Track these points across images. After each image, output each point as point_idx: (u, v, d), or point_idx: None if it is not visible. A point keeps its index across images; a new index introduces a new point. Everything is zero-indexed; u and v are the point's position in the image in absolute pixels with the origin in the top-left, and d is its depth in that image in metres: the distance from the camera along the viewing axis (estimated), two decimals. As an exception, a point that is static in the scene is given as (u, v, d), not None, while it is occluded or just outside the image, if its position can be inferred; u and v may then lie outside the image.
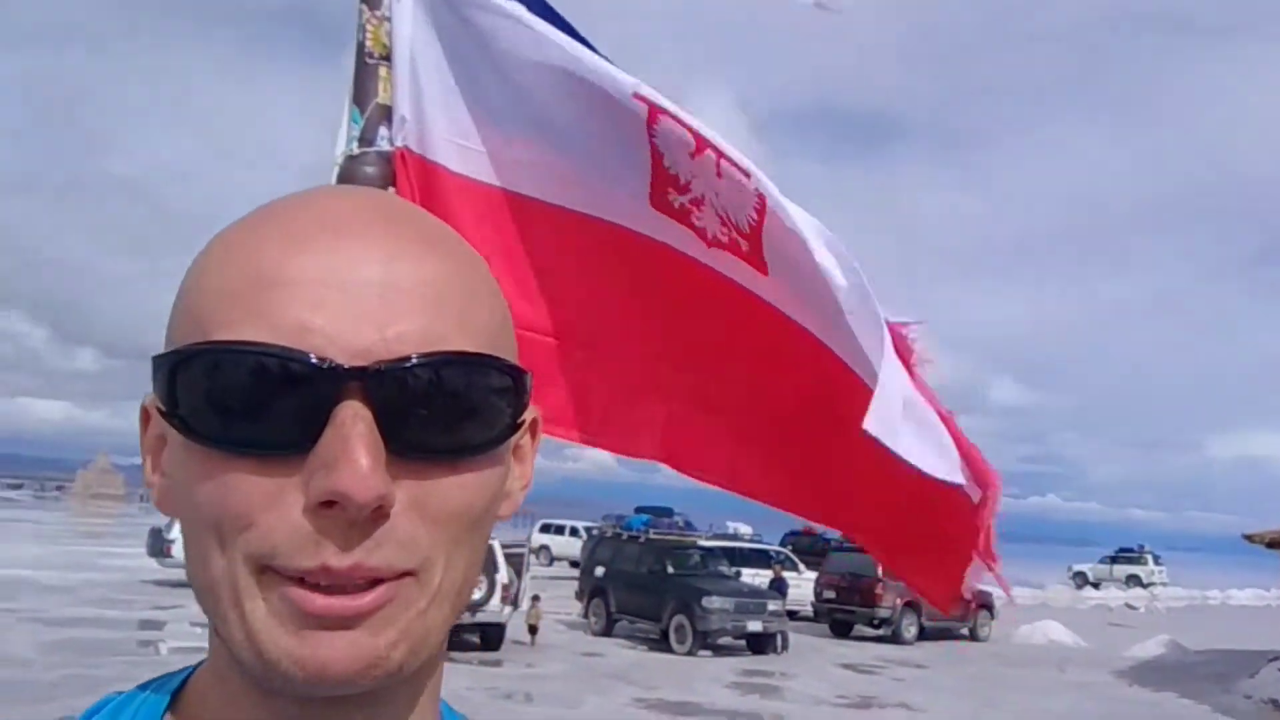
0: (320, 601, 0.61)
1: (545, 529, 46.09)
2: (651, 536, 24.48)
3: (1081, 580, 55.30)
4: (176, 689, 0.72)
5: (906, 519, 2.39)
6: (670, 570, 23.27)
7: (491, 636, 20.67)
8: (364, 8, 2.26)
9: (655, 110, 2.22)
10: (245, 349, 0.60)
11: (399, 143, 2.25)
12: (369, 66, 2.25)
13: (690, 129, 2.21)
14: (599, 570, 24.89)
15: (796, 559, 30.36)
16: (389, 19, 2.26)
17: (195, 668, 0.73)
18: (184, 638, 19.48)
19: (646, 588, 23.21)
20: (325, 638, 0.61)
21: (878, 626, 26.24)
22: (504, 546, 21.44)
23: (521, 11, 2.25)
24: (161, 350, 0.65)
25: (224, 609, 0.62)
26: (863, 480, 2.34)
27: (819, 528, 33.44)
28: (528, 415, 0.72)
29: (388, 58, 2.26)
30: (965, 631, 27.87)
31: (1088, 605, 44.08)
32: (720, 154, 2.20)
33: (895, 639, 25.72)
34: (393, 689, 0.66)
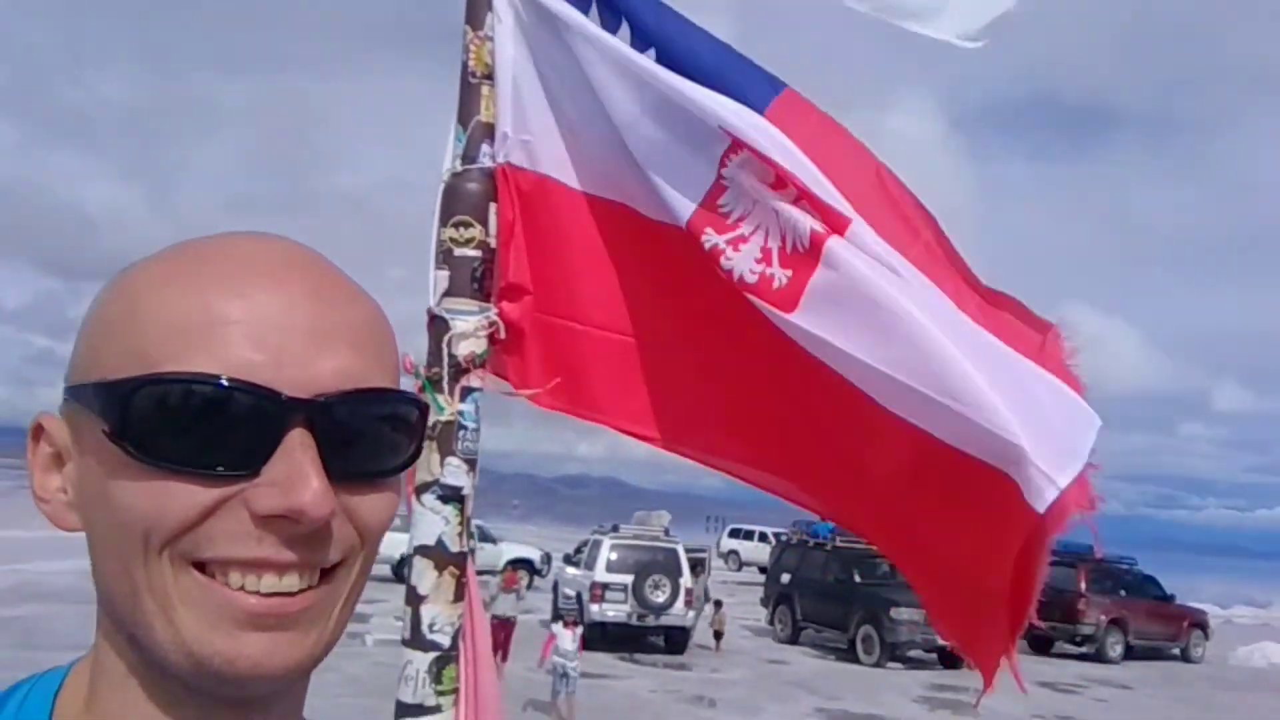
0: (256, 602, 0.68)
1: (734, 534, 46.05)
2: (839, 544, 24.04)
3: (1314, 601, 51.07)
4: (55, 692, 0.75)
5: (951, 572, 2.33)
6: (858, 579, 22.82)
7: (676, 640, 20.81)
8: (468, 28, 2.33)
9: (738, 143, 2.23)
10: (209, 380, 0.67)
11: (500, 159, 2.31)
12: (472, 85, 2.32)
13: (775, 166, 2.21)
14: (785, 577, 24.68)
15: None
16: (491, 39, 2.32)
17: (66, 671, 0.77)
18: (387, 631, 20.42)
19: (833, 596, 22.86)
20: (258, 638, 0.68)
21: (1080, 644, 24.95)
22: (687, 550, 21.56)
23: (614, 45, 2.30)
24: (76, 379, 0.73)
25: (147, 616, 0.68)
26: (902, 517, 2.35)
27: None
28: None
29: (490, 76, 2.32)
30: (1176, 652, 26.20)
31: (1321, 628, 40.67)
32: (796, 200, 2.22)
33: (1099, 657, 24.40)
34: (290, 685, 0.73)
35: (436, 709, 2.19)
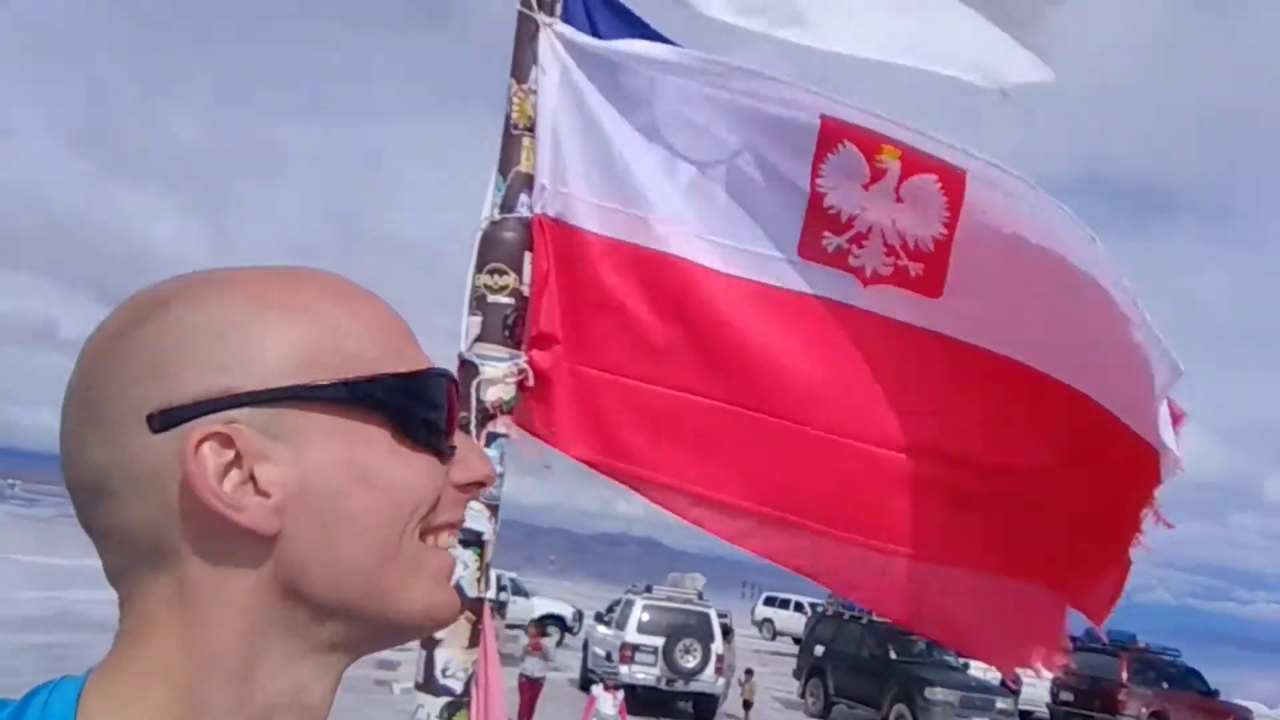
0: (451, 559, 0.81)
1: (769, 602, 45.46)
2: (875, 618, 23.64)
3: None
4: (78, 693, 0.73)
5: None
6: (893, 655, 22.40)
7: (705, 707, 20.51)
8: (512, 81, 2.38)
9: (833, 138, 2.27)
10: (440, 372, 0.81)
11: (537, 210, 2.35)
12: (514, 136, 2.37)
13: (869, 155, 2.26)
14: (819, 649, 24.29)
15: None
16: (534, 92, 2.37)
17: (86, 675, 0.75)
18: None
19: (867, 671, 22.45)
20: (451, 588, 0.81)
21: (1120, 736, 24.26)
22: (719, 615, 21.31)
23: (683, 62, 2.35)
24: (244, 382, 0.74)
25: (387, 585, 0.77)
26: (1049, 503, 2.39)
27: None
28: None
29: (531, 129, 2.37)
30: (1221, 748, 25.38)
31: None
32: (904, 174, 2.25)
33: (1139, 750, 23.70)
34: None
35: (445, 755, 2.18)
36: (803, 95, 2.29)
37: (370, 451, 0.76)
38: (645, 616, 20.58)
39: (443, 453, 0.79)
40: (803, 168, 2.32)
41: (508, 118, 2.37)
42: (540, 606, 29.88)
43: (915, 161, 2.25)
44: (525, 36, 2.37)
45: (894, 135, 2.25)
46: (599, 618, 23.67)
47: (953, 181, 2.24)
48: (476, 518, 2.24)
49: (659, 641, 20.12)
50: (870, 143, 2.26)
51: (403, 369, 0.78)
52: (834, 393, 2.40)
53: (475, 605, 2.26)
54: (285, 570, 0.74)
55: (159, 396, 0.72)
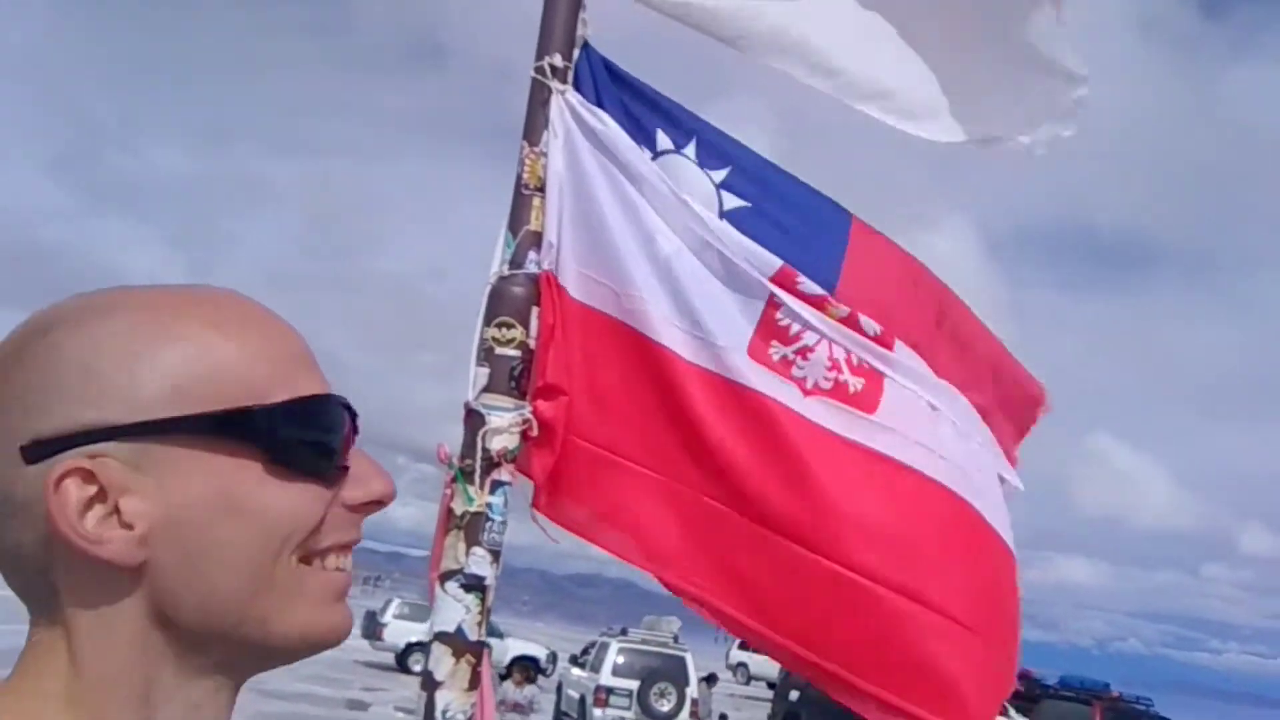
0: (346, 577, 0.83)
1: (744, 646, 45.18)
2: (850, 664, 23.53)
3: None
4: None
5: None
6: (867, 702, 22.33)
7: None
8: (525, 143, 2.48)
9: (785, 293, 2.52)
10: (322, 398, 0.82)
11: (546, 266, 2.44)
12: (525, 196, 2.46)
13: (815, 320, 2.52)
14: (794, 694, 24.16)
15: (1007, 703, 28.50)
16: (545, 155, 2.47)
17: None
18: (385, 720, 20.16)
19: (842, 717, 22.34)
20: (344, 606, 0.83)
21: (1093, 786, 24.20)
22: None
23: (662, 181, 2.51)
24: (127, 414, 0.75)
25: (263, 612, 0.78)
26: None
27: (1035, 670, 31.46)
28: None
29: (542, 189, 2.46)
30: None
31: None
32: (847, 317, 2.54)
33: (1113, 803, 23.61)
34: None
35: (445, 797, 2.23)
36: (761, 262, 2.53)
37: (239, 480, 0.77)
38: (620, 659, 20.48)
39: (325, 475, 0.80)
40: (761, 287, 2.50)
41: (519, 178, 2.47)
42: (514, 648, 29.63)
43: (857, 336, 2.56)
44: (538, 101, 2.47)
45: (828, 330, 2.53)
46: (574, 660, 23.54)
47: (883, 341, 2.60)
48: (479, 562, 2.31)
49: (634, 685, 20.01)
50: (819, 300, 2.57)
51: (283, 397, 0.79)
52: (769, 488, 2.46)
53: (475, 649, 2.32)
54: (158, 599, 0.76)
55: (30, 428, 0.74)
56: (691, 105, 2.61)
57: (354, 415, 0.84)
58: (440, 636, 2.30)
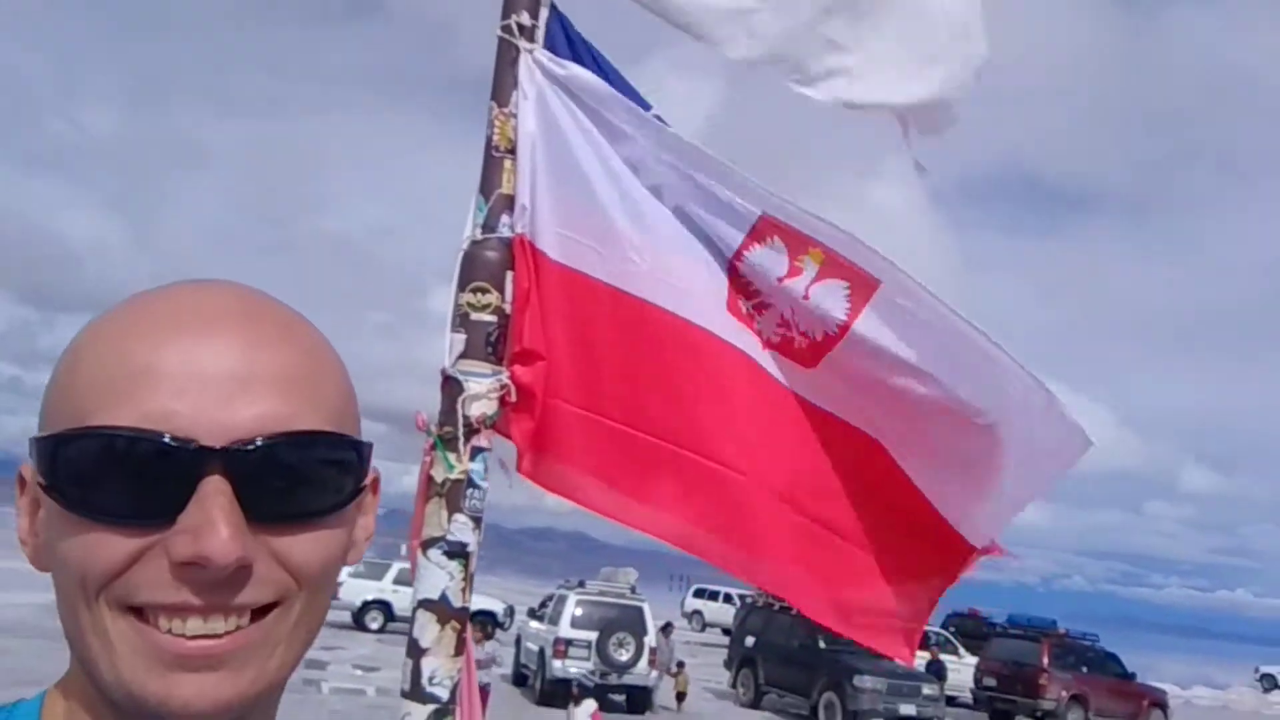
0: (187, 645, 0.70)
1: (699, 594, 45.76)
2: (804, 609, 23.92)
3: (1270, 683, 51.06)
4: (37, 712, 0.78)
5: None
6: (822, 645, 22.71)
7: (639, 699, 20.62)
8: (494, 104, 2.44)
9: (766, 232, 2.52)
10: (120, 432, 0.69)
11: (519, 229, 2.41)
12: (495, 159, 2.43)
13: (794, 253, 2.53)
14: (749, 640, 24.56)
15: (957, 642, 29.21)
16: (515, 115, 2.43)
17: (44, 695, 0.79)
18: (344, 679, 20.16)
19: (797, 661, 22.76)
20: (188, 679, 0.70)
21: (1041, 718, 24.94)
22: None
23: (645, 122, 2.50)
24: (38, 430, 0.75)
25: (94, 655, 0.71)
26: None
27: (984, 610, 32.24)
28: (369, 478, 0.82)
29: (512, 151, 2.43)
30: (1137, 731, 26.21)
31: (1275, 711, 40.72)
32: (818, 277, 2.53)
33: (1059, 733, 24.37)
34: (247, 717, 0.75)
35: (433, 762, 2.24)
36: (752, 188, 2.50)
37: (50, 513, 0.73)
38: (579, 611, 20.64)
39: (126, 521, 0.70)
40: (732, 240, 2.55)
41: (489, 140, 2.43)
42: (472, 603, 29.76)
43: (835, 265, 2.51)
44: (506, 61, 2.43)
45: (824, 239, 2.50)
46: (531, 613, 23.67)
47: (863, 289, 2.51)
48: (461, 529, 2.31)
49: (592, 635, 20.19)
50: (799, 242, 2.50)
51: (92, 423, 0.70)
52: (733, 431, 2.64)
53: (460, 615, 2.32)
54: None
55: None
56: (639, 52, 2.64)
57: (200, 457, 0.70)
58: (424, 604, 2.30)
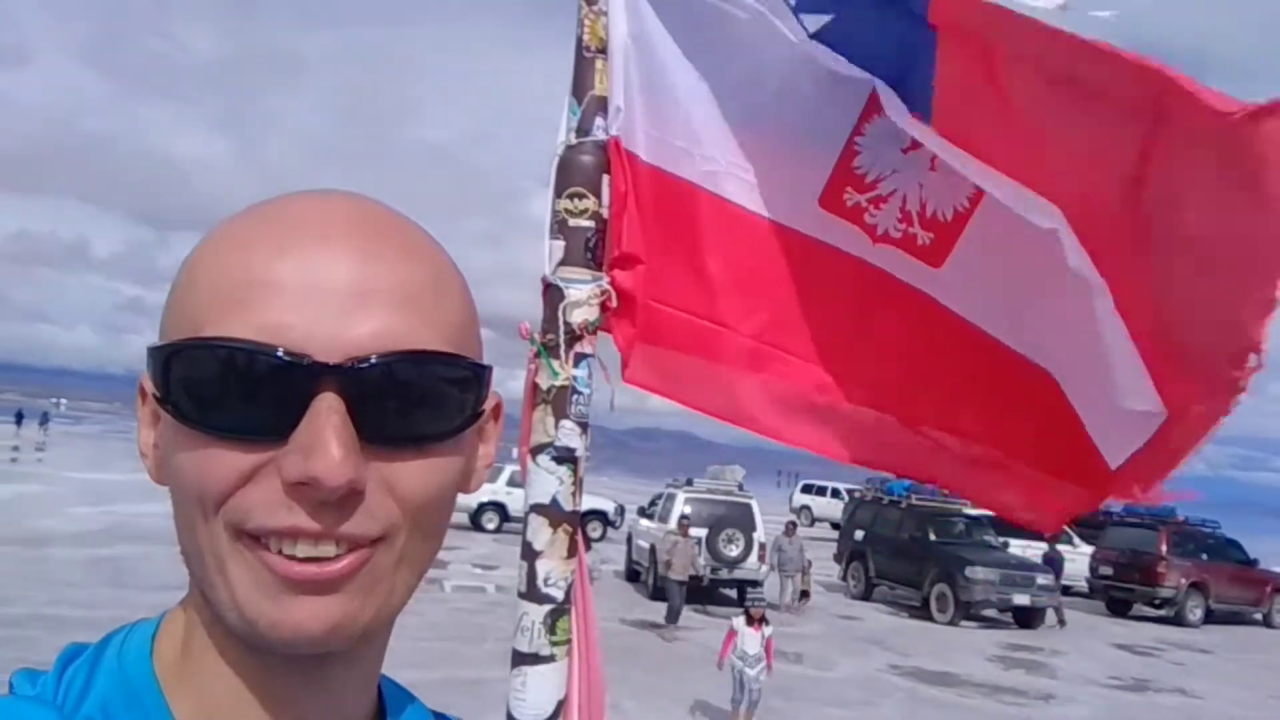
0: (298, 568, 0.68)
1: (807, 489, 46.09)
2: (914, 502, 23.94)
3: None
4: (151, 638, 0.77)
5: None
6: (932, 537, 22.75)
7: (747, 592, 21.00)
8: (583, 3, 2.38)
9: (874, 110, 2.35)
10: (234, 344, 0.67)
11: (613, 131, 2.37)
12: (586, 60, 2.38)
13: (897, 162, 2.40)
14: (859, 534, 24.69)
15: (1072, 532, 28.87)
16: (605, 13, 2.37)
17: (158, 621, 0.78)
18: (465, 577, 20.94)
19: (907, 554, 22.83)
20: (301, 602, 0.68)
21: (1159, 607, 24.66)
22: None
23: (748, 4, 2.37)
24: (157, 339, 0.73)
25: (210, 575, 0.70)
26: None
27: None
28: (489, 403, 0.78)
29: (604, 51, 2.38)
30: (1259, 617, 25.76)
31: None
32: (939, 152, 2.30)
33: (1178, 621, 24.09)
34: (360, 646, 0.74)
35: (550, 658, 2.30)
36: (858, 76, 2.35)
37: (168, 424, 0.72)
38: (688, 509, 20.94)
39: (232, 435, 0.68)
40: (845, 124, 2.40)
41: (579, 40, 2.38)
42: (583, 503, 30.39)
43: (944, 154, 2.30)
44: (593, -43, 2.37)
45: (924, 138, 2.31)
46: (641, 511, 24.11)
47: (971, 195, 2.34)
48: (569, 435, 2.33)
49: (702, 533, 20.50)
50: (919, 113, 2.30)
51: (206, 334, 0.68)
52: (834, 337, 2.55)
53: (571, 519, 2.36)
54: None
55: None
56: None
57: (313, 372, 0.67)
58: (536, 508, 2.33)
